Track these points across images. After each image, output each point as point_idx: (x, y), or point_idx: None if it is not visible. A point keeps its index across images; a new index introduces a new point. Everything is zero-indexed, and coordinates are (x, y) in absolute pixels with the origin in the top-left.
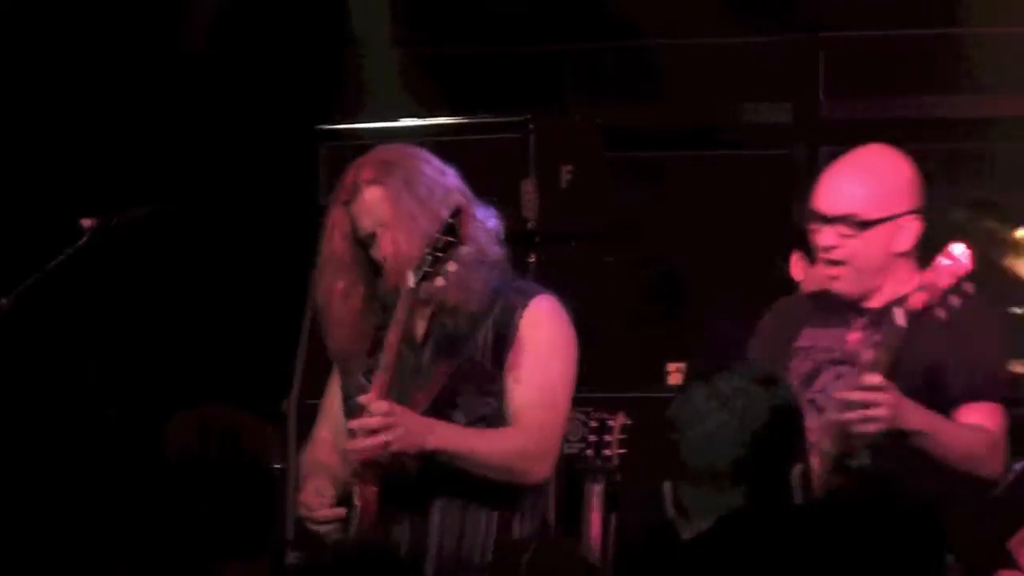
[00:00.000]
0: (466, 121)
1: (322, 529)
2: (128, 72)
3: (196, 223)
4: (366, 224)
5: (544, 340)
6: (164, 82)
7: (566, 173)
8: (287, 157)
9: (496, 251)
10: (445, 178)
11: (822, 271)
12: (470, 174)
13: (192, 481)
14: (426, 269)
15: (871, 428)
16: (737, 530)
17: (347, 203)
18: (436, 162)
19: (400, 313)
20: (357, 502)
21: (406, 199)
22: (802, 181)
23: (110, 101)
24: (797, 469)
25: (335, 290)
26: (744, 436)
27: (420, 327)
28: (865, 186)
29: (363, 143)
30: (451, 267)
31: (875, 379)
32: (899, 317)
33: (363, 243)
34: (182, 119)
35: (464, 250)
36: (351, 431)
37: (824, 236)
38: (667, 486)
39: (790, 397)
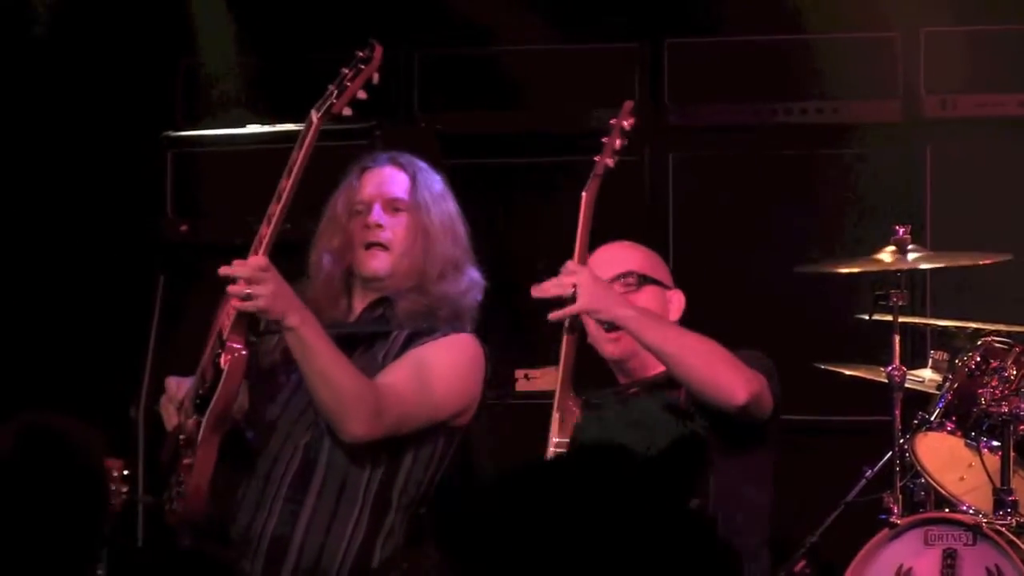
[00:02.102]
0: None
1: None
2: None
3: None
4: (381, 191)
5: (444, 356)
6: (6, 83)
7: None
8: (133, 162)
9: (455, 291)
10: (459, 214)
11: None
12: (317, 180)
13: (11, 488)
14: (331, 100)
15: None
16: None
17: (363, 170)
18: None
19: (309, 137)
20: (223, 364)
21: (433, 199)
22: (650, 188)
23: None
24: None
25: (330, 247)
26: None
27: (357, 308)
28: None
29: (209, 149)
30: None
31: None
32: None
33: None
34: (27, 123)
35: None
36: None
37: None
38: None
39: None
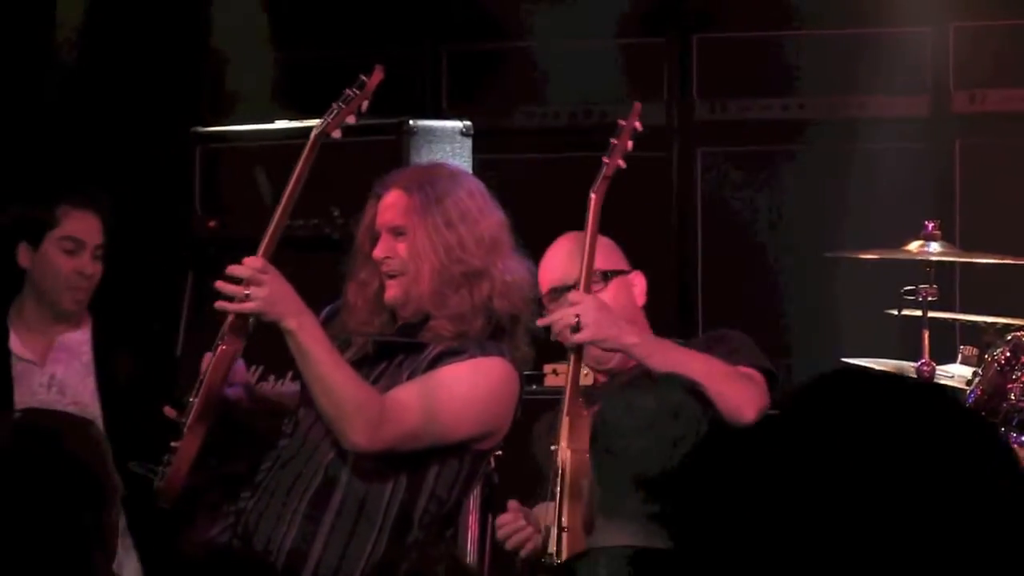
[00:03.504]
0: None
1: None
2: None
3: None
4: (383, 219)
5: (464, 380)
6: (36, 88)
7: None
8: (163, 160)
9: (480, 299)
10: (483, 214)
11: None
12: (347, 176)
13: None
14: (327, 120)
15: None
16: None
17: (377, 197)
18: (481, 197)
19: (306, 152)
20: (207, 360)
21: (431, 216)
22: (678, 183)
23: None
24: None
25: (356, 277)
26: (678, 449)
27: (385, 323)
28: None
29: (237, 145)
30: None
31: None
32: None
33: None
34: (57, 125)
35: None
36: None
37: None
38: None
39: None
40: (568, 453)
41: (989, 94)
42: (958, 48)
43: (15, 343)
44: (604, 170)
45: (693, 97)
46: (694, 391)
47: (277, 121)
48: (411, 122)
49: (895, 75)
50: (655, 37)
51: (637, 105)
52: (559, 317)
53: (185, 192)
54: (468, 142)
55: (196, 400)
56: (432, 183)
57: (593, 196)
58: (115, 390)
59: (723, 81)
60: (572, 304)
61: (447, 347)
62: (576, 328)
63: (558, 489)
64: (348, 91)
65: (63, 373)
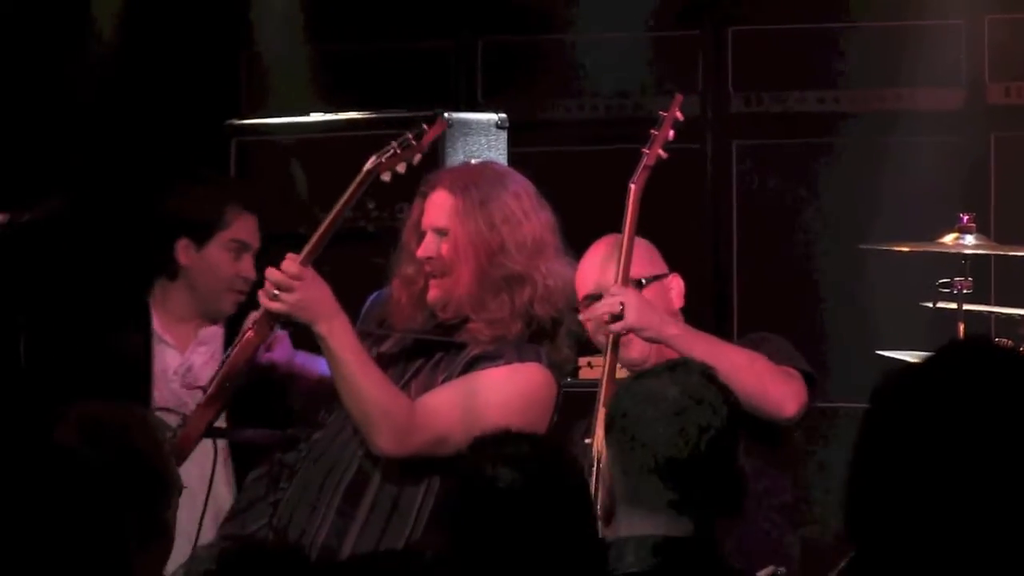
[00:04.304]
0: (376, 116)
1: None
2: (40, 75)
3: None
4: (428, 219)
5: (501, 387)
6: (75, 81)
7: None
8: (198, 152)
9: (521, 304)
10: (527, 217)
11: None
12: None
13: (78, 480)
14: (380, 161)
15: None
16: None
17: (424, 195)
18: (527, 199)
19: (354, 186)
20: (237, 343)
21: (474, 219)
22: (713, 175)
23: (22, 104)
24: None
25: (401, 273)
26: (704, 435)
27: (427, 320)
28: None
29: (273, 138)
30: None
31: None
32: None
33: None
34: (93, 118)
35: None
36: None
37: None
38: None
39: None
40: (604, 445)
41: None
42: (993, 41)
43: (157, 325)
44: (644, 159)
45: (728, 89)
46: (711, 377)
47: (313, 114)
48: (446, 115)
49: (930, 68)
50: (690, 29)
51: (679, 96)
52: (604, 305)
53: None
54: (503, 135)
55: (217, 375)
56: (478, 184)
57: (633, 187)
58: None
59: (758, 74)
60: (613, 296)
61: (484, 351)
62: (618, 316)
63: (593, 480)
64: (408, 135)
65: (200, 365)
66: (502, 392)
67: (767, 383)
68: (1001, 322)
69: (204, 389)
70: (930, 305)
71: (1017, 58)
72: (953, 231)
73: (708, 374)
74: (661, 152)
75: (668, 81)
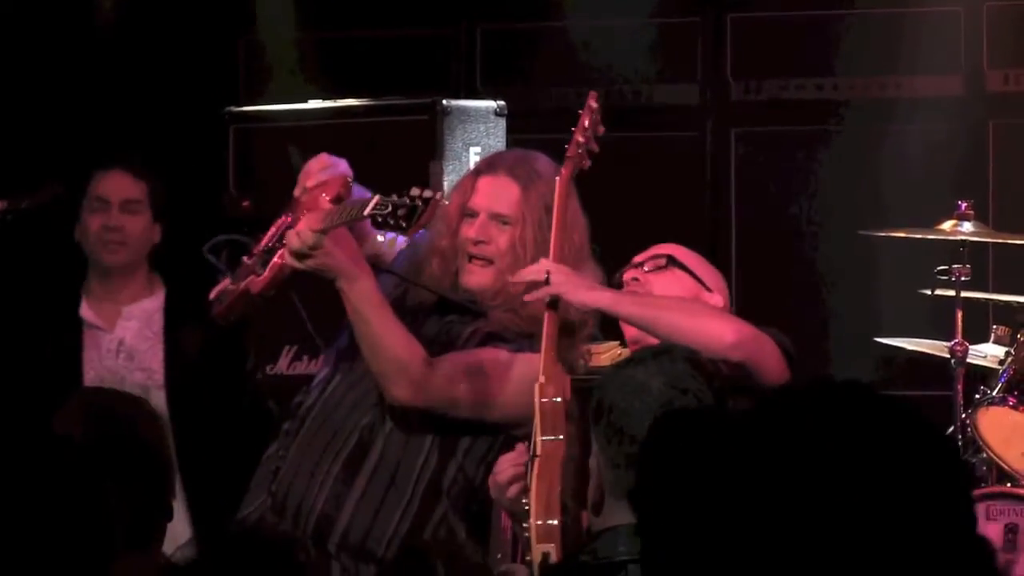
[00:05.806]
0: (374, 103)
1: None
2: (39, 58)
3: None
4: (488, 203)
5: (516, 369)
6: (73, 66)
7: (474, 156)
8: (196, 139)
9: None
10: (575, 220)
11: None
12: (380, 155)
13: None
14: (379, 213)
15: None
16: None
17: (478, 174)
18: (574, 201)
19: (345, 220)
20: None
21: (540, 215)
22: (712, 163)
23: (20, 89)
24: None
25: (438, 247)
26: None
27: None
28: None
29: (271, 125)
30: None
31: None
32: None
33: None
34: (91, 103)
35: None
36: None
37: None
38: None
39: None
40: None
41: (1023, 74)
42: (992, 27)
43: (86, 310)
44: (567, 151)
45: (727, 77)
46: (696, 364)
47: (311, 101)
48: (445, 102)
49: (929, 55)
50: (689, 16)
51: (593, 92)
52: (526, 271)
53: (219, 172)
54: (502, 122)
55: (271, 263)
56: (542, 180)
57: (558, 179)
58: (183, 360)
59: (757, 61)
60: (541, 266)
61: (501, 332)
62: (545, 282)
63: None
64: (411, 197)
65: (132, 339)
66: (515, 372)
67: (703, 318)
68: (999, 309)
69: (251, 261)
70: (928, 292)
71: (1016, 45)
72: (951, 218)
73: (692, 360)
74: (581, 139)
75: (667, 68)
